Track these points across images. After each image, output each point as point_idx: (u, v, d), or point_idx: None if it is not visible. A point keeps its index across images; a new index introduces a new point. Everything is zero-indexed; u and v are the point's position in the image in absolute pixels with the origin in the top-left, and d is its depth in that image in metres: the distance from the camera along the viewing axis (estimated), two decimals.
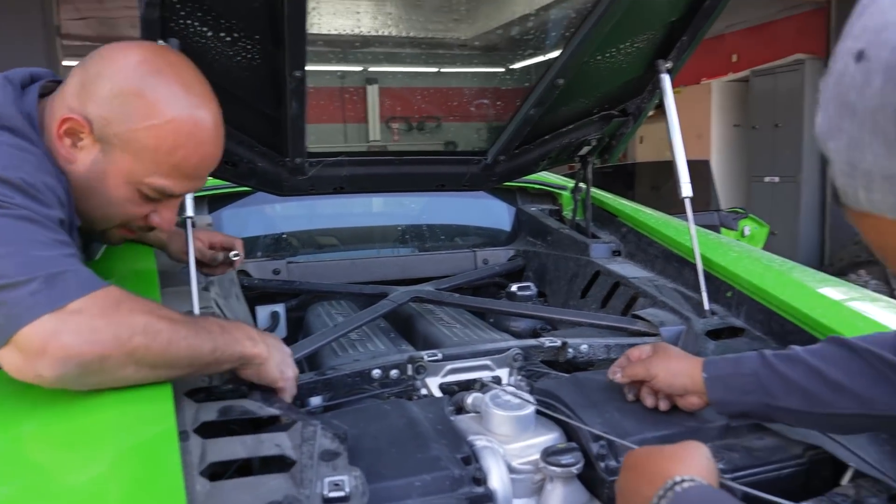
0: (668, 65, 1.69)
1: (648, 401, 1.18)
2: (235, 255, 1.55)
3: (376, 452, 1.03)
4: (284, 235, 2.16)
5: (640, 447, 0.86)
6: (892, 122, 0.47)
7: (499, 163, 1.94)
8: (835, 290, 1.44)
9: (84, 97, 1.03)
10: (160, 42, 1.19)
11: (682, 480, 0.73)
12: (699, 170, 5.53)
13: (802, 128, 7.26)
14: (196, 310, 1.21)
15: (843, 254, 6.25)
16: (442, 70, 2.04)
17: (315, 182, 1.78)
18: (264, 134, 1.61)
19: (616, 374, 1.21)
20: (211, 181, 1.88)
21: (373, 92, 2.21)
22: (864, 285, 4.18)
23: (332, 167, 1.78)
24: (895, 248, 0.57)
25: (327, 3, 1.64)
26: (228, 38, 1.28)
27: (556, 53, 1.63)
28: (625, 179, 6.28)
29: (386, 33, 1.83)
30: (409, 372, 1.32)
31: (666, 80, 1.69)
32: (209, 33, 1.25)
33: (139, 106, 1.02)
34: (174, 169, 1.05)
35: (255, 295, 1.88)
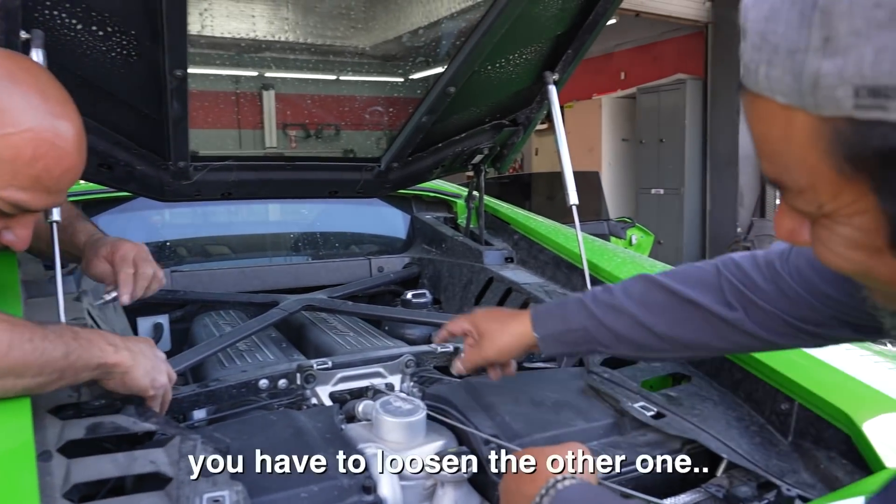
0: (555, 76, 1.74)
1: (493, 375, 1.21)
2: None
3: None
4: (168, 243, 2.06)
5: (523, 449, 0.87)
6: None
7: (392, 170, 1.93)
8: None
9: None
10: (23, 33, 1.11)
11: (564, 479, 0.74)
12: (590, 181, 5.76)
13: (684, 143, 7.72)
14: (62, 319, 1.12)
15: None
16: (340, 78, 2.02)
17: (200, 187, 1.71)
18: (144, 135, 1.53)
19: (458, 368, 1.22)
20: (86, 185, 1.78)
21: (269, 98, 2.15)
22: None
23: (219, 172, 1.71)
24: (776, 140, 0.53)
25: (220, 5, 1.58)
26: (101, 33, 1.20)
27: (442, 66, 1.65)
28: (521, 189, 6.45)
29: (283, 38, 1.78)
30: (298, 381, 1.29)
31: (553, 91, 1.74)
32: (79, 26, 1.17)
33: None
34: (34, 182, 0.97)
35: (137, 306, 1.77)
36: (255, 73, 1.94)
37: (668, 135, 7.90)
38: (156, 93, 1.38)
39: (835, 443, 1.13)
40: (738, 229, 7.40)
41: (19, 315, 1.14)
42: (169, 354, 1.27)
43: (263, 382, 1.26)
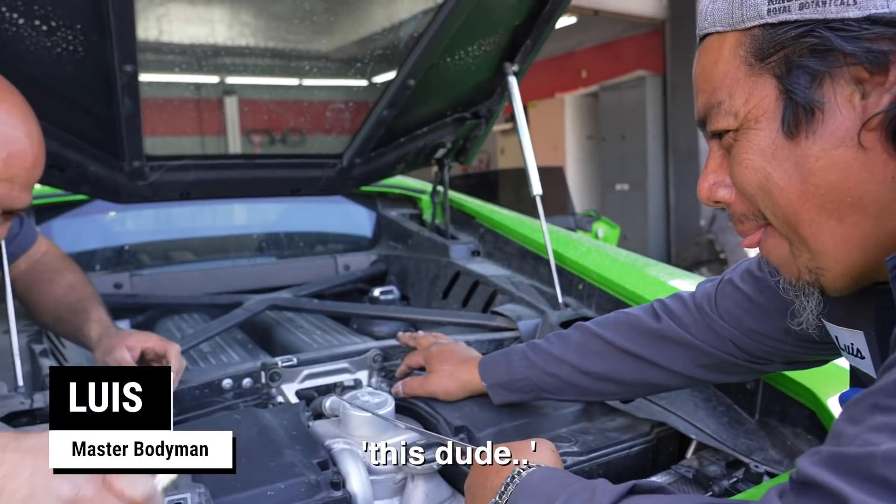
0: (515, 68, 1.74)
1: None
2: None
3: None
4: (127, 247, 2.00)
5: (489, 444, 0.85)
6: None
7: (355, 166, 1.91)
8: (678, 280, 1.53)
9: None
10: None
11: (528, 466, 0.74)
12: (555, 176, 5.80)
13: (647, 139, 7.82)
14: (13, 327, 1.08)
15: (687, 254, 6.79)
16: (303, 82, 1.98)
17: (157, 188, 1.67)
18: (96, 135, 1.48)
19: (398, 391, 1.24)
20: (40, 189, 1.72)
21: (231, 104, 2.11)
22: None
23: (177, 171, 1.67)
24: (711, 65, 0.66)
25: (178, 10, 1.54)
26: (45, 28, 1.16)
27: (406, 55, 1.63)
28: (488, 187, 6.47)
29: (243, 43, 1.75)
30: (263, 380, 1.26)
31: (513, 82, 1.74)
32: (20, 20, 1.13)
33: None
34: None
35: None
36: (216, 79, 1.89)
37: (630, 131, 7.99)
38: (106, 90, 1.35)
39: (800, 419, 1.14)
40: (702, 222, 7.51)
41: None
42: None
43: (227, 382, 1.23)
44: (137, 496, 0.65)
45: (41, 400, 1.00)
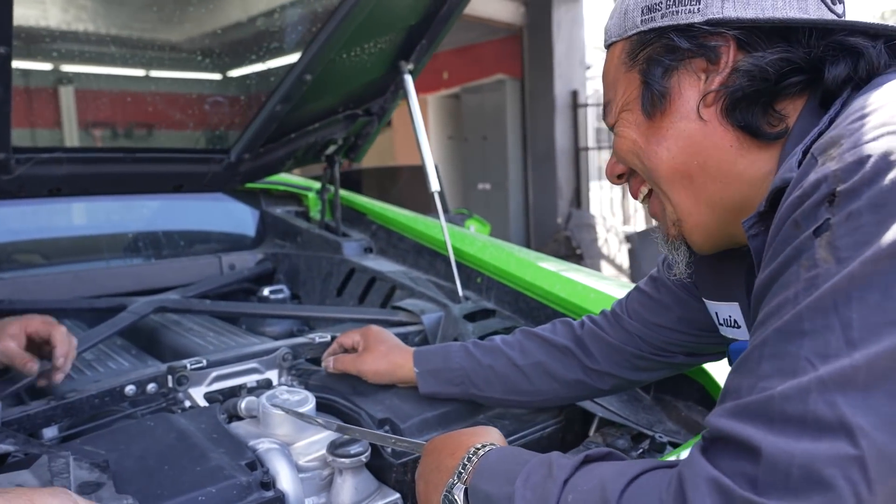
0: (410, 66, 1.77)
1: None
2: (59, 359, 1.11)
3: (147, 474, 0.91)
4: None
5: (436, 436, 0.87)
6: None
7: (243, 161, 1.85)
8: (570, 273, 1.62)
9: None
10: None
11: (483, 446, 0.76)
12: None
13: (507, 140, 8.12)
14: None
15: (546, 250, 7.13)
16: (150, 74, 1.86)
17: (24, 182, 1.53)
18: None
19: (328, 364, 1.27)
20: None
21: (67, 94, 1.94)
22: None
23: (47, 165, 1.54)
24: (607, 70, 0.83)
25: None
26: None
27: (297, 53, 1.60)
28: (352, 186, 6.42)
29: (80, 29, 1.61)
30: (170, 384, 1.19)
31: (408, 80, 1.77)
32: None
33: None
34: None
35: None
36: (48, 67, 1.74)
37: (491, 132, 8.26)
38: None
39: (691, 392, 1.26)
40: (559, 219, 7.93)
41: None
42: None
43: (130, 389, 1.15)
44: None
45: None
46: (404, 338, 1.50)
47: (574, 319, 1.18)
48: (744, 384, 0.56)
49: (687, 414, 1.23)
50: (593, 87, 8.85)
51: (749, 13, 0.70)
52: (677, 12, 0.73)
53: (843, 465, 0.48)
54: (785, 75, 0.69)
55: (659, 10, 0.74)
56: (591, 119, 8.43)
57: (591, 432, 1.29)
